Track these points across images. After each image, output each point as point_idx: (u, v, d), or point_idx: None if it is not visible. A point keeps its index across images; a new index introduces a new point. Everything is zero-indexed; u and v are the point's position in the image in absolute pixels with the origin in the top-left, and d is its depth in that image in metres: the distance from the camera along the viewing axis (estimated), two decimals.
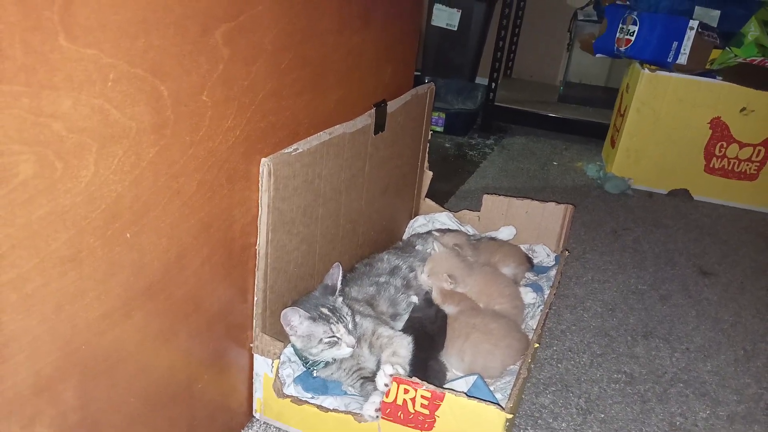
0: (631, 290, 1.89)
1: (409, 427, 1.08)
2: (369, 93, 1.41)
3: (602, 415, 1.36)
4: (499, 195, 1.85)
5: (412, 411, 1.07)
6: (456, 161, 2.86)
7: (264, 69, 0.97)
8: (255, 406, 1.22)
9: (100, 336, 0.78)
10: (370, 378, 1.17)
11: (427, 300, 1.40)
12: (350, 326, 1.15)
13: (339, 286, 1.19)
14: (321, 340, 1.12)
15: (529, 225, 1.82)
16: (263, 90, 0.98)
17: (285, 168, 1.06)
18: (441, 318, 1.35)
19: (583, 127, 3.21)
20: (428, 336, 1.29)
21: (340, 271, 1.20)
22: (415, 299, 1.40)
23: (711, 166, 2.61)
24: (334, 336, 1.13)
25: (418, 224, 1.86)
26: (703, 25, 2.51)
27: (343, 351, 1.14)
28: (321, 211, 1.23)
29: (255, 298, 1.11)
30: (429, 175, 1.88)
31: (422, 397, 1.05)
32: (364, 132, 1.34)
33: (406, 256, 1.52)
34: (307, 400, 1.17)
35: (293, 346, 1.17)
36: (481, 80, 3.55)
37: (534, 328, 1.36)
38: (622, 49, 2.65)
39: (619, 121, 2.76)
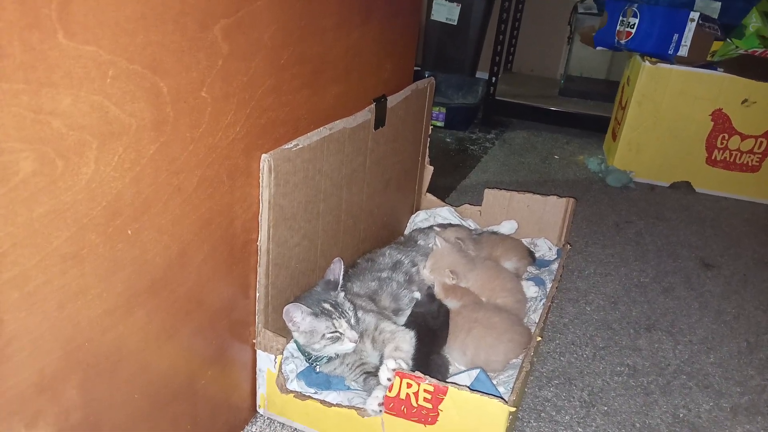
0: (634, 283, 1.89)
1: (413, 421, 1.08)
2: (369, 88, 1.40)
3: (605, 408, 1.36)
4: (501, 189, 1.85)
5: (416, 405, 1.07)
6: (457, 156, 2.85)
7: (263, 65, 0.97)
8: (258, 401, 1.23)
9: (103, 334, 0.78)
10: (373, 373, 1.17)
11: (430, 295, 1.40)
12: (353, 321, 1.15)
13: (341, 281, 1.19)
14: (324, 335, 1.12)
15: (530, 219, 1.81)
16: (263, 86, 0.98)
17: (285, 164, 1.06)
18: (443, 313, 1.35)
19: (585, 120, 3.20)
20: (431, 331, 1.29)
21: (342, 266, 1.20)
22: (417, 295, 1.40)
23: (713, 158, 2.61)
24: (336, 331, 1.13)
25: (419, 219, 1.85)
26: (704, 17, 2.50)
27: (346, 346, 1.14)
28: (322, 206, 1.23)
29: (257, 294, 1.11)
30: (430, 169, 1.88)
31: (425, 391, 1.05)
32: (365, 127, 1.34)
33: (408, 251, 1.52)
34: (311, 395, 1.17)
35: (296, 341, 1.18)
36: (482, 74, 3.54)
37: (536, 321, 1.36)
38: (623, 41, 2.64)
39: (621, 114, 2.75)
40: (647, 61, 2.54)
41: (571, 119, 3.23)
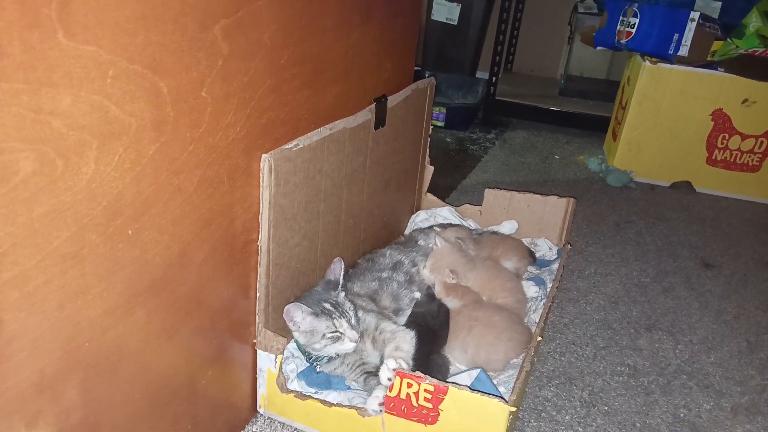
0: (634, 283, 1.89)
1: (413, 420, 1.08)
2: (369, 88, 1.40)
3: (606, 408, 1.36)
4: (501, 189, 1.85)
5: (416, 405, 1.07)
6: (457, 156, 2.85)
7: (263, 65, 0.97)
8: (259, 401, 1.23)
9: (103, 334, 0.78)
10: (374, 373, 1.17)
11: (430, 295, 1.40)
12: (353, 321, 1.15)
13: (341, 281, 1.19)
14: (324, 335, 1.12)
15: (531, 219, 1.81)
16: (263, 86, 0.98)
17: (286, 164, 1.06)
18: (443, 313, 1.35)
19: (585, 120, 3.20)
20: (431, 331, 1.29)
21: (342, 266, 1.20)
22: (417, 295, 1.40)
23: (713, 158, 2.60)
24: (337, 331, 1.13)
25: (419, 219, 1.85)
26: (704, 17, 2.50)
27: (346, 346, 1.14)
28: (322, 206, 1.23)
29: (257, 294, 1.11)
30: (430, 169, 1.88)
31: (425, 390, 1.05)
32: (365, 127, 1.34)
33: (409, 251, 1.52)
34: (311, 395, 1.17)
35: (296, 341, 1.18)
36: (482, 74, 3.54)
37: (537, 321, 1.36)
38: (623, 41, 2.64)
39: (621, 114, 2.75)
40: (647, 61, 2.54)
41: (571, 119, 3.23)
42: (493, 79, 3.21)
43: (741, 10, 2.62)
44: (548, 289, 1.54)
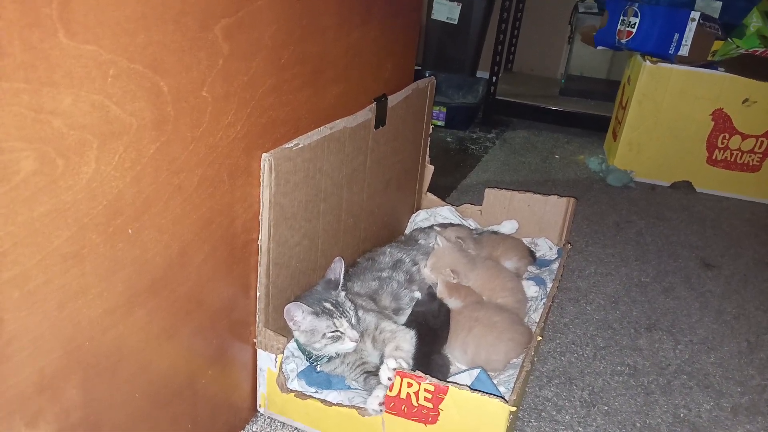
0: (634, 283, 1.89)
1: (413, 420, 1.08)
2: (369, 88, 1.40)
3: (606, 408, 1.36)
4: (501, 189, 1.85)
5: (416, 404, 1.07)
6: (457, 155, 2.85)
7: (264, 64, 0.97)
8: (259, 401, 1.23)
9: (103, 333, 0.78)
10: (374, 372, 1.17)
11: (431, 294, 1.40)
12: (353, 321, 1.15)
13: (341, 280, 1.19)
14: (324, 334, 1.12)
15: (531, 218, 1.81)
16: (263, 85, 0.98)
17: (286, 163, 1.06)
18: (444, 312, 1.35)
19: (585, 120, 3.20)
20: (431, 330, 1.29)
21: (342, 265, 1.20)
22: (418, 295, 1.40)
23: (713, 158, 2.60)
24: (337, 331, 1.13)
25: (420, 219, 1.85)
26: (704, 17, 2.50)
27: (347, 345, 1.14)
28: (322, 206, 1.23)
29: (257, 294, 1.11)
30: (430, 169, 1.88)
31: (426, 390, 1.05)
32: (365, 126, 1.34)
33: (409, 250, 1.51)
34: (311, 394, 1.17)
35: (296, 341, 1.18)
36: (482, 74, 3.54)
37: (537, 321, 1.36)
38: (624, 41, 2.64)
39: (621, 114, 2.75)
40: (648, 61, 2.54)
41: (571, 119, 3.23)
42: (494, 78, 3.21)
43: (741, 9, 2.62)
44: (548, 289, 1.54)
